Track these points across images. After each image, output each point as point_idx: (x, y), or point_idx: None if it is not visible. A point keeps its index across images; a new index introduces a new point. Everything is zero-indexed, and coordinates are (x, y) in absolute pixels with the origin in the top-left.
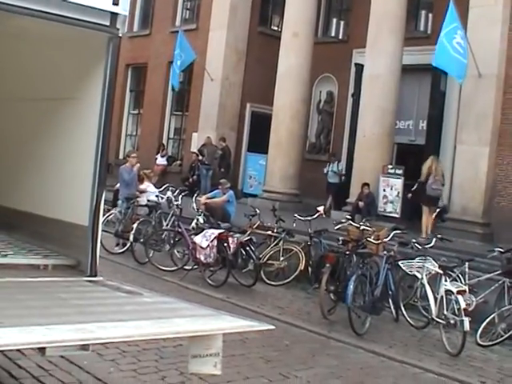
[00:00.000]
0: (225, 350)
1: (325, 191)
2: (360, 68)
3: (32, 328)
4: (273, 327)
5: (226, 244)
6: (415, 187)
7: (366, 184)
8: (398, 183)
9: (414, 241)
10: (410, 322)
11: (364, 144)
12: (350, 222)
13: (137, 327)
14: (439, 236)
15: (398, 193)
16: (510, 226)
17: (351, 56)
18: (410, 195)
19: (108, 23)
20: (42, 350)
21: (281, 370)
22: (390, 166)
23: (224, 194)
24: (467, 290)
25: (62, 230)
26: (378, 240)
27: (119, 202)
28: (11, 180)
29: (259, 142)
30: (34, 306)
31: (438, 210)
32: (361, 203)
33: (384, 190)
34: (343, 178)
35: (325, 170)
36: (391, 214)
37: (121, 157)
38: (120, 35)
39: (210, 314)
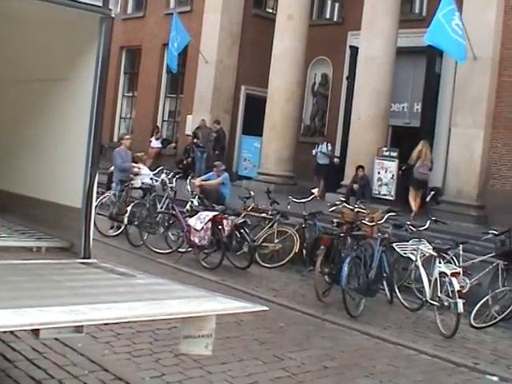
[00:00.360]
0: (219, 331)
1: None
2: (355, 50)
3: (24, 310)
4: (266, 308)
5: (220, 226)
6: (404, 168)
7: (361, 166)
8: (393, 166)
9: (408, 223)
10: (405, 303)
11: (359, 126)
12: (345, 204)
13: (130, 309)
14: (433, 218)
15: (393, 175)
16: (504, 208)
17: (346, 38)
18: (400, 172)
19: (100, 4)
20: (35, 332)
21: (275, 352)
22: (384, 149)
23: (218, 176)
24: (461, 272)
25: (55, 212)
26: (372, 222)
27: (113, 184)
28: (3, 162)
29: (254, 124)
30: (27, 288)
31: (432, 192)
32: (355, 185)
33: (378, 173)
34: (337, 160)
35: (313, 152)
36: (386, 197)
37: (115, 139)
38: (113, 16)
39: (203, 295)
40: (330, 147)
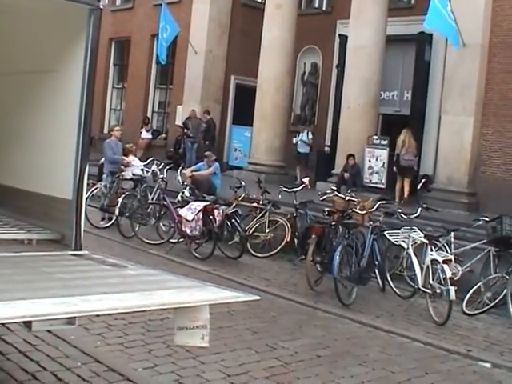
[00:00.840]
0: (212, 322)
1: (313, 162)
2: (344, 39)
3: (16, 302)
4: (258, 298)
5: (211, 216)
6: (395, 159)
7: (352, 155)
8: (383, 154)
9: (399, 211)
10: (397, 291)
11: (349, 115)
12: (336, 192)
13: (121, 300)
14: (425, 206)
15: (384, 163)
16: (495, 195)
17: (335, 27)
18: (395, 168)
19: None
20: (28, 324)
21: (268, 342)
22: (375, 137)
23: (209, 166)
24: (453, 259)
25: (45, 204)
26: (363, 210)
27: (104, 176)
28: None
29: (244, 114)
30: (18, 280)
31: (423, 180)
32: (346, 174)
33: (369, 161)
34: (327, 149)
35: (294, 140)
36: (377, 185)
37: (105, 131)
38: (101, 7)
39: (195, 285)
40: (310, 136)
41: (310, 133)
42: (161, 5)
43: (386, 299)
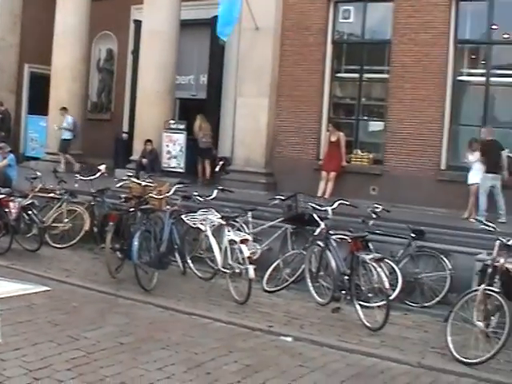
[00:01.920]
0: (10, 317)
1: (111, 150)
2: (139, 24)
3: None
4: (48, 288)
5: (7, 209)
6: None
7: (149, 140)
8: (181, 138)
9: (195, 193)
10: (198, 274)
11: (145, 101)
12: (131, 178)
13: None
14: (220, 187)
15: (182, 148)
16: (291, 174)
17: (130, 12)
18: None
19: None
20: None
21: (70, 333)
22: (171, 122)
23: (4, 158)
24: (251, 238)
25: None
26: (160, 195)
27: None
28: None
29: (40, 103)
30: None
31: (220, 162)
32: (144, 160)
33: (167, 146)
34: (125, 135)
35: (56, 127)
36: (176, 169)
37: None
38: None
39: None
40: (70, 120)
41: (70, 117)
42: None
43: (187, 282)
